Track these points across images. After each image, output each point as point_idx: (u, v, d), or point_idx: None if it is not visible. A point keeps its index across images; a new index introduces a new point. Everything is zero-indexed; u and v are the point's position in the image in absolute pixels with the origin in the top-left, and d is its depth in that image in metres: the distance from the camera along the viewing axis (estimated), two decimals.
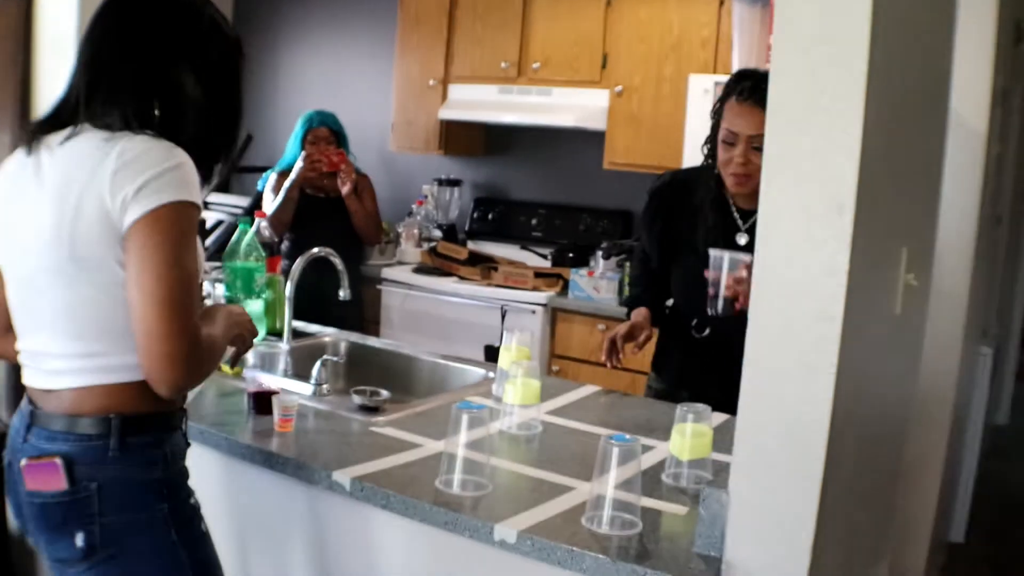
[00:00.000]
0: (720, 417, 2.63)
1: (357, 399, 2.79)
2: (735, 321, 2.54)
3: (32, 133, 2.01)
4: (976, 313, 4.36)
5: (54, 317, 1.95)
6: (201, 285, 2.06)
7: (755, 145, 2.84)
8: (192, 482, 2.09)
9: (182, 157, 1.91)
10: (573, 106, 5.52)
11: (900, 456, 2.77)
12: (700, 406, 2.30)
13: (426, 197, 6.38)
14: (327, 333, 3.67)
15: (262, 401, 2.63)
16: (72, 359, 1.95)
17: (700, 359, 3.16)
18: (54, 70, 3.32)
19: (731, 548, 1.90)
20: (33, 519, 1.99)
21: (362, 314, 5.49)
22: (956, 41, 2.77)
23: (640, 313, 3.24)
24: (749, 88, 2.88)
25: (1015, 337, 7.44)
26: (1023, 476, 6.35)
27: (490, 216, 6.30)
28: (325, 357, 2.97)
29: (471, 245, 6.18)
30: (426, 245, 6.08)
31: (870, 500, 2.41)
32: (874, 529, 2.57)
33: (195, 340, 1.89)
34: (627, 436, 2.04)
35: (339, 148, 5.01)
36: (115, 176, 1.84)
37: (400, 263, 6.05)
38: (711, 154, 3.08)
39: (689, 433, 2.28)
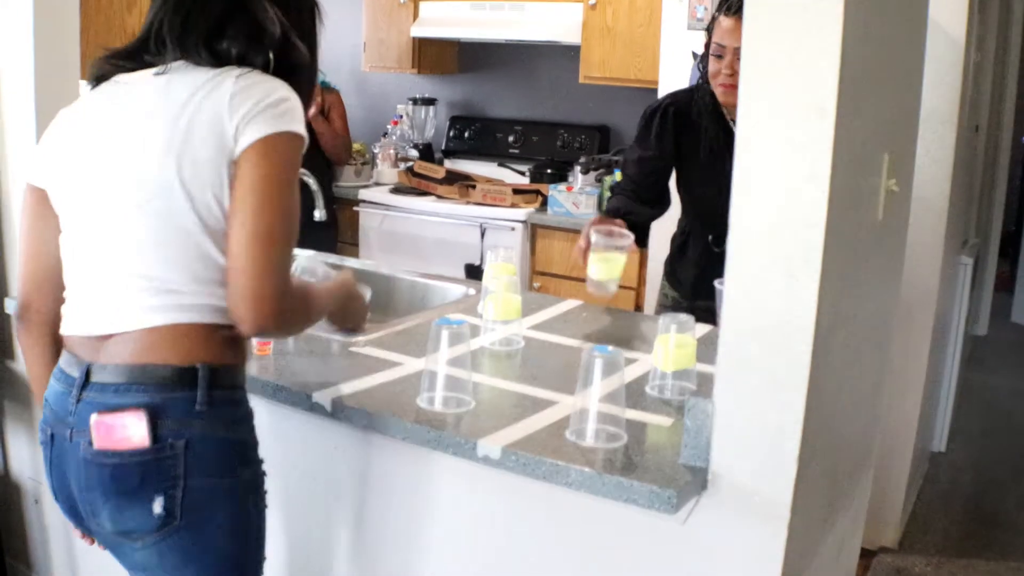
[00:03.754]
0: (703, 328, 2.62)
1: None
2: None
3: (110, 68, 1.92)
4: (956, 223, 4.36)
5: (139, 250, 1.79)
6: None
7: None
8: None
9: (293, 92, 1.85)
10: (547, 20, 5.43)
11: (884, 365, 2.77)
12: (683, 316, 2.29)
13: (401, 117, 6.31)
14: (303, 255, 3.63)
15: None
16: (153, 295, 1.79)
17: (716, 271, 3.18)
18: None
19: (717, 458, 1.89)
20: (99, 485, 1.79)
21: (337, 235, 5.46)
22: None
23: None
24: (737, 3, 3.00)
25: (994, 248, 7.45)
26: (1002, 387, 6.41)
27: (466, 134, 6.24)
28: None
29: (448, 164, 6.13)
30: (403, 165, 6.02)
31: (855, 409, 2.41)
32: (859, 438, 2.57)
33: (285, 280, 1.79)
34: (610, 348, 2.01)
35: None
36: (234, 98, 1.77)
37: (377, 184, 5.99)
38: (705, 70, 3.19)
39: (672, 344, 2.27)
